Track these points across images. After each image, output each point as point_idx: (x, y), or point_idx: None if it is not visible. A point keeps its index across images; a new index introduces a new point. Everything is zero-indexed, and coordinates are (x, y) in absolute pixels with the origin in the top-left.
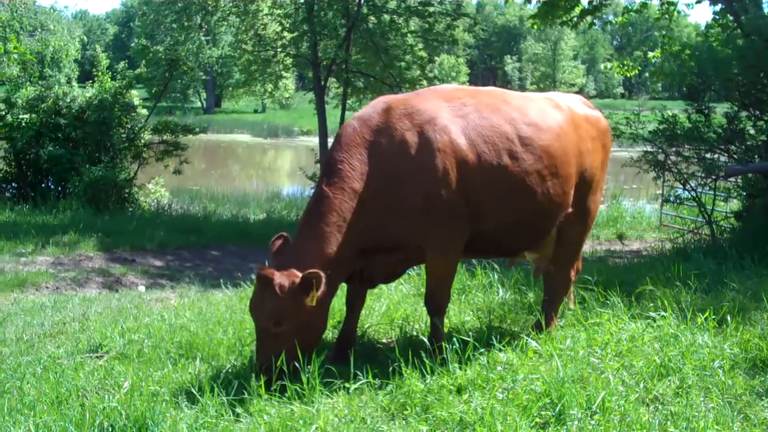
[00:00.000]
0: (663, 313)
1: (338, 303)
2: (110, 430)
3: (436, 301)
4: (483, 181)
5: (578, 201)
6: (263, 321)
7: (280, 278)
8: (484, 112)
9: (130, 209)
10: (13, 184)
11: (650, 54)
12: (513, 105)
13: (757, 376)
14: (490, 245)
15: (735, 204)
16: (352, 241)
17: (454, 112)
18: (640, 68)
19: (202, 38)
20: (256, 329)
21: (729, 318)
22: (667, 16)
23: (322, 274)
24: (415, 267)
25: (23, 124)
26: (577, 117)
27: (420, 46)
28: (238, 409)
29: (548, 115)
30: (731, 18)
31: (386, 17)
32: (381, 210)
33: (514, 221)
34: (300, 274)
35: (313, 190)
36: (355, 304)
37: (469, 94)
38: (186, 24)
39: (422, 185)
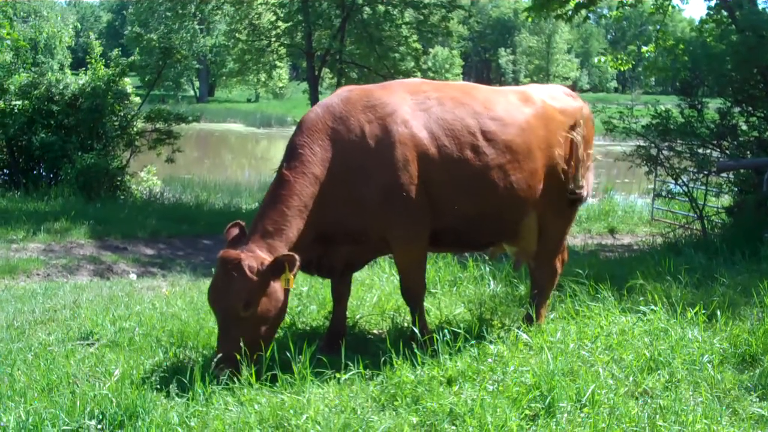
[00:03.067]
0: (653, 308)
1: (329, 293)
2: (101, 417)
3: (411, 292)
4: (444, 175)
5: (556, 194)
6: (232, 304)
7: (249, 259)
8: (447, 106)
9: (122, 197)
10: (5, 171)
11: (644, 48)
12: (478, 99)
13: (746, 371)
14: (454, 238)
15: (726, 199)
16: (311, 227)
17: (418, 105)
18: (633, 62)
19: (196, 27)
20: (219, 316)
21: (719, 313)
22: (661, 10)
23: (297, 258)
24: None
25: (15, 111)
26: (549, 110)
27: (414, 37)
28: (229, 398)
29: (515, 109)
30: (725, 13)
31: (381, 8)
32: (340, 199)
33: (476, 215)
34: (266, 256)
35: None
36: (341, 294)
37: (435, 87)
38: (180, 12)
39: (381, 177)
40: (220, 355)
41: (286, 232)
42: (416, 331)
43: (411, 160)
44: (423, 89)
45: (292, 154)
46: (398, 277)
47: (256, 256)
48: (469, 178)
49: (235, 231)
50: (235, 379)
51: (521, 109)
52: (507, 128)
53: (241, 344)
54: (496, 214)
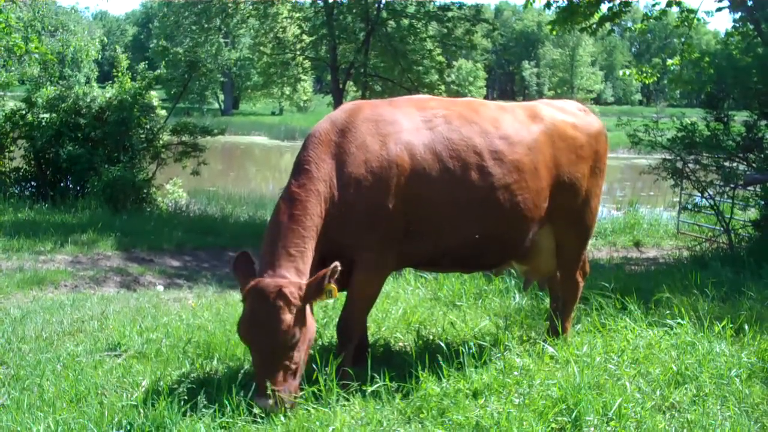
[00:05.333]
0: (680, 321)
1: None
2: (129, 428)
3: (352, 325)
4: (446, 196)
5: (567, 211)
6: (282, 335)
7: (290, 286)
8: (454, 124)
9: (148, 209)
10: (33, 183)
11: (669, 61)
12: (486, 117)
13: None
14: (456, 260)
15: (753, 213)
16: (318, 245)
17: (424, 123)
18: (658, 75)
19: (222, 40)
20: (264, 349)
21: (746, 327)
22: (686, 23)
23: (338, 265)
24: (427, 274)
25: (43, 124)
26: (558, 127)
27: (438, 50)
28: (255, 410)
29: (522, 127)
30: (751, 26)
31: (405, 21)
32: (338, 214)
33: (480, 236)
34: (300, 282)
35: None
36: None
37: (443, 104)
38: (205, 26)
39: (370, 195)
40: (265, 388)
41: (306, 254)
42: (348, 371)
43: (405, 184)
44: (431, 106)
45: (300, 170)
46: (344, 308)
47: (293, 283)
48: (473, 199)
49: (243, 261)
50: (286, 410)
51: (529, 126)
52: (514, 147)
53: (287, 372)
54: (501, 235)
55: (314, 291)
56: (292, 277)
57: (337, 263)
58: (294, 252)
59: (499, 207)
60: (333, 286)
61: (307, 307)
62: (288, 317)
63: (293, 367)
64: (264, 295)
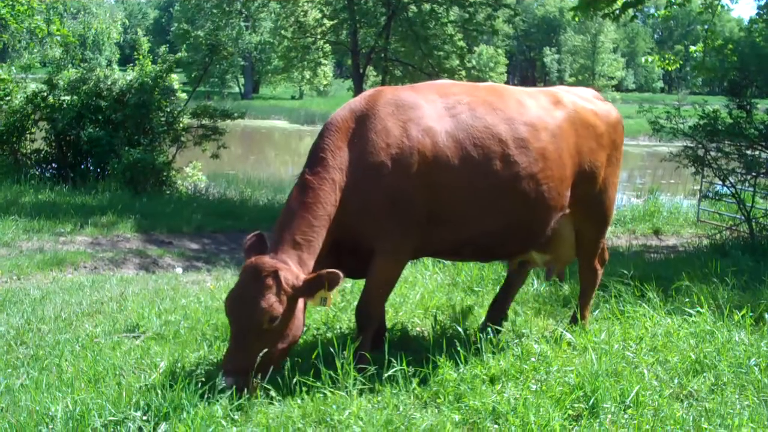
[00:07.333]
0: (699, 309)
1: None
2: (146, 409)
3: (368, 310)
4: (469, 185)
5: (587, 199)
6: (259, 313)
7: (286, 272)
8: (478, 112)
9: (168, 192)
10: (54, 165)
11: (692, 48)
12: (510, 103)
13: None
14: (477, 250)
15: None
16: (329, 234)
17: (447, 110)
18: (681, 62)
19: (242, 24)
20: (238, 324)
21: (766, 316)
22: (710, 10)
23: (341, 276)
24: (443, 261)
25: (64, 106)
26: (580, 114)
27: (459, 35)
28: (272, 392)
29: (547, 113)
30: None
31: (427, 6)
32: (355, 203)
33: (503, 226)
34: (298, 271)
35: None
36: None
37: (465, 90)
38: (226, 9)
39: (391, 182)
40: (228, 365)
41: (313, 244)
42: (366, 355)
43: (426, 171)
44: (453, 92)
45: (315, 158)
46: (363, 292)
47: (291, 271)
48: (497, 188)
49: (256, 242)
50: (240, 394)
51: (552, 113)
52: (539, 134)
53: (253, 357)
54: (524, 224)
55: (307, 289)
56: (293, 265)
57: (338, 272)
58: (300, 240)
59: (524, 196)
60: (328, 294)
61: (300, 306)
62: (272, 298)
63: (261, 355)
64: (257, 272)
